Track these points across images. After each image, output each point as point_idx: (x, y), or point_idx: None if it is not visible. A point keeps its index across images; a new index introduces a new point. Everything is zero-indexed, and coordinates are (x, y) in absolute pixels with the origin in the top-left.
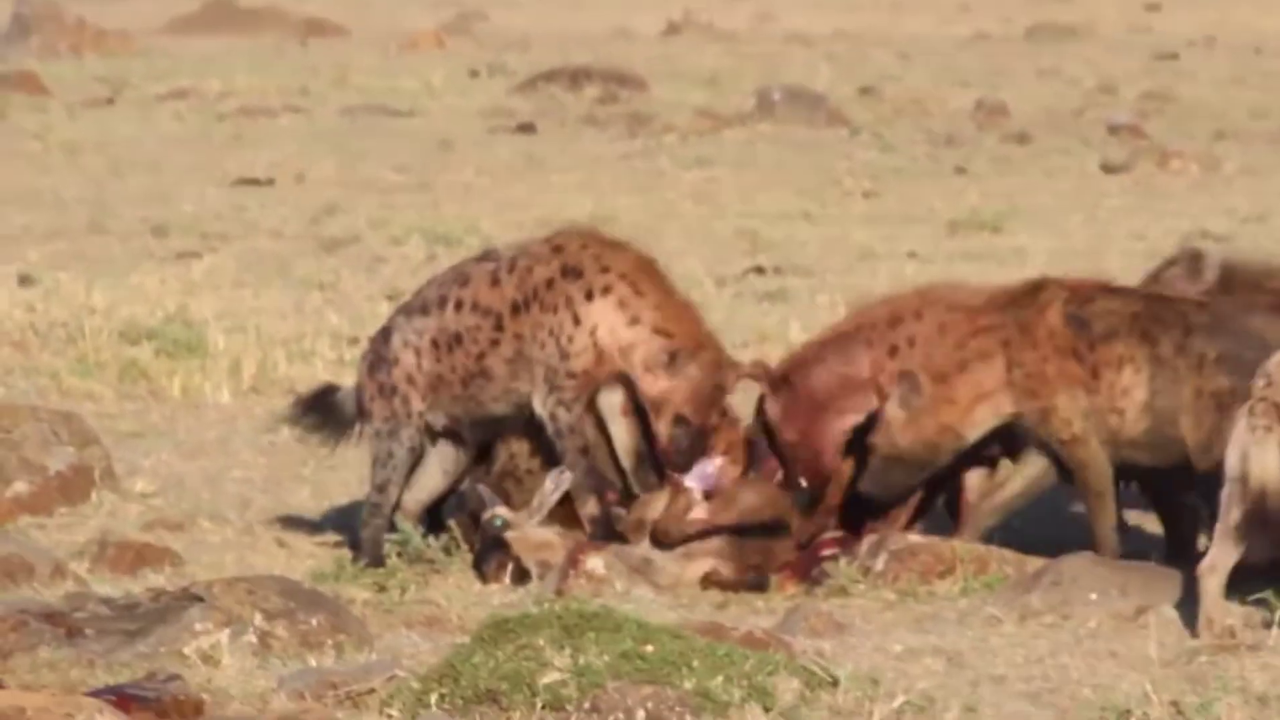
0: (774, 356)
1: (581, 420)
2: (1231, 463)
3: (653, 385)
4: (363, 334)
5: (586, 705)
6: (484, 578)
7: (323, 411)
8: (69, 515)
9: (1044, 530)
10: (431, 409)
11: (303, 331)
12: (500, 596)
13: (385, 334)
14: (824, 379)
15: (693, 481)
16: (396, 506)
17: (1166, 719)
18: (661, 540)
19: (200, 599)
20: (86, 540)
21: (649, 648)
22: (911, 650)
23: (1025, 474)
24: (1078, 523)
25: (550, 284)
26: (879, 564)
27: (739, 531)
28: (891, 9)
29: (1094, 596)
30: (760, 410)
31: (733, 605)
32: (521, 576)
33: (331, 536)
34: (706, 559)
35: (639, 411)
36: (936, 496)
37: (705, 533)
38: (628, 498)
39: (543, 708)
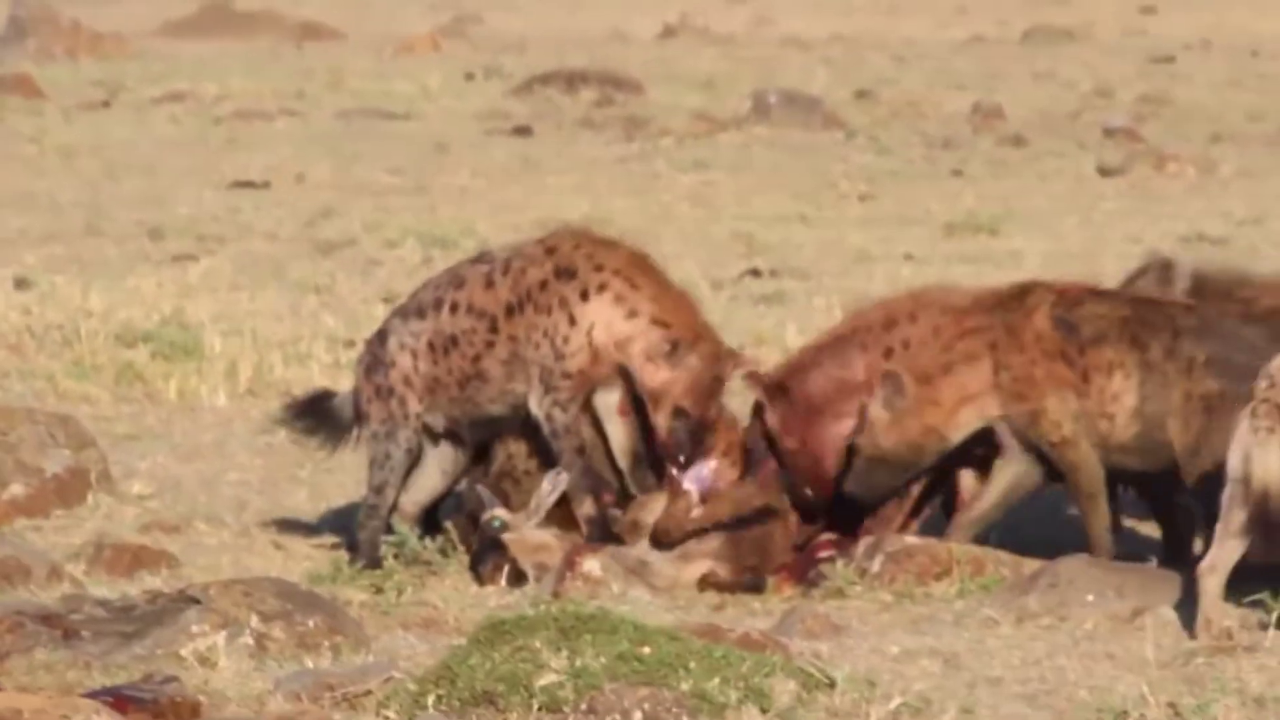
0: (771, 359)
1: (577, 421)
2: (1233, 464)
3: (654, 376)
4: (359, 336)
5: (583, 707)
6: (480, 579)
7: (317, 417)
8: (65, 517)
9: (1041, 532)
10: (428, 411)
11: (299, 334)
12: (497, 598)
13: (381, 336)
14: (821, 384)
15: (689, 483)
16: (394, 508)
17: None
18: (662, 541)
19: (197, 601)
20: (83, 542)
21: (646, 649)
22: (908, 652)
23: (998, 484)
24: (1074, 525)
25: (544, 285)
26: (875, 566)
27: (736, 532)
28: (888, 12)
29: (1091, 598)
30: (758, 416)
31: (729, 607)
32: (518, 578)
33: (328, 538)
34: (703, 561)
35: (636, 412)
36: (932, 498)
37: (703, 532)
38: (624, 498)
39: (539, 709)
